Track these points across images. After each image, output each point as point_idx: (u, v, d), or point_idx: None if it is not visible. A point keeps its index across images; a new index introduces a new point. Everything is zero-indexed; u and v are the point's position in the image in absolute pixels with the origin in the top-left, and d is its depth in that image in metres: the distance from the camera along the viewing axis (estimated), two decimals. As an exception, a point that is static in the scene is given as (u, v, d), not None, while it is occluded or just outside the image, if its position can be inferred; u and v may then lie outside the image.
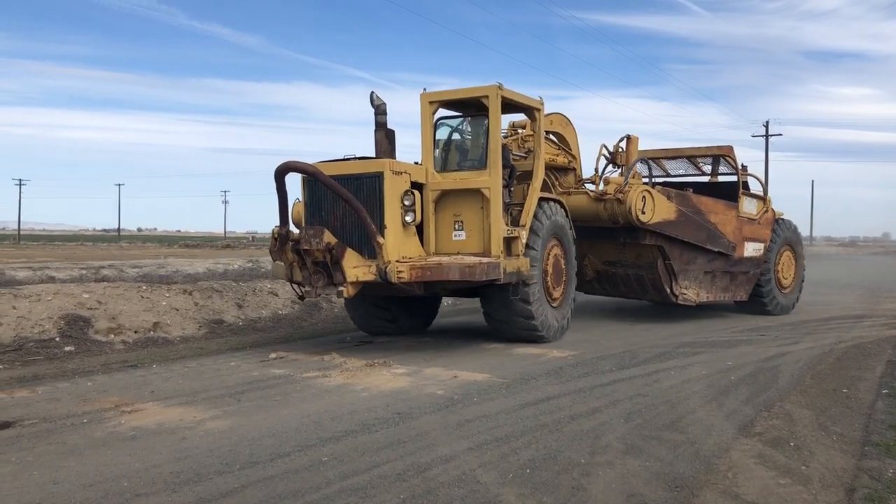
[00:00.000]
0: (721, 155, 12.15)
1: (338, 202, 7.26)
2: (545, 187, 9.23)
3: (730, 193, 11.50)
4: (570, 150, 10.38)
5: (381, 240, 7.10)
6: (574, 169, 10.47)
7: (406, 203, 7.47)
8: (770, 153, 40.34)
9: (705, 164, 12.79)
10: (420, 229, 7.83)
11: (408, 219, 7.52)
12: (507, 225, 7.88)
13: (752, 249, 11.89)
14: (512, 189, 8.22)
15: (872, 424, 5.02)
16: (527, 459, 4.07)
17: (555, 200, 8.83)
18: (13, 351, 7.20)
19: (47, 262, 14.82)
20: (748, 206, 11.90)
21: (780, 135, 47.49)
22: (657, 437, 4.60)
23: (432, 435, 4.53)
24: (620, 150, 11.08)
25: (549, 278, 8.49)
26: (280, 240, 7.13)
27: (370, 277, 7.11)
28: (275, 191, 6.82)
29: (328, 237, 7.00)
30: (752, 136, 45.75)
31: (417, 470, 3.85)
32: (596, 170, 11.02)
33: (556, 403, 5.54)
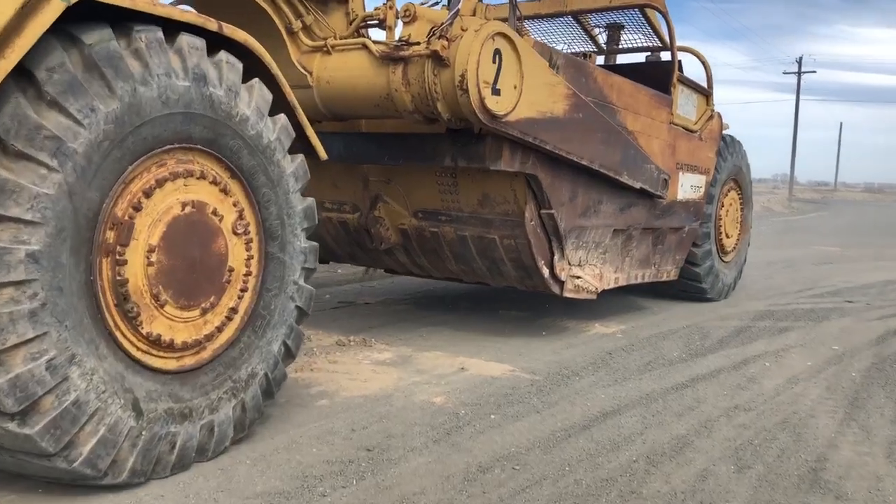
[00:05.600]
0: (643, 5, 7.27)
1: None
2: (268, 37, 4.92)
3: (654, 79, 7.04)
4: None
5: None
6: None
7: None
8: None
9: (603, 33, 8.29)
10: None
11: None
12: None
13: (689, 186, 7.51)
14: None
15: None
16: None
17: (210, 36, 3.49)
18: None
19: None
20: (686, 106, 7.40)
21: (815, 72, 44.70)
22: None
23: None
24: None
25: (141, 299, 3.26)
26: None
27: None
28: None
29: None
30: (784, 73, 44.08)
31: None
32: None
33: (618, 427, 4.21)
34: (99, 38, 3.04)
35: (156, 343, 3.34)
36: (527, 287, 6.26)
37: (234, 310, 3.72)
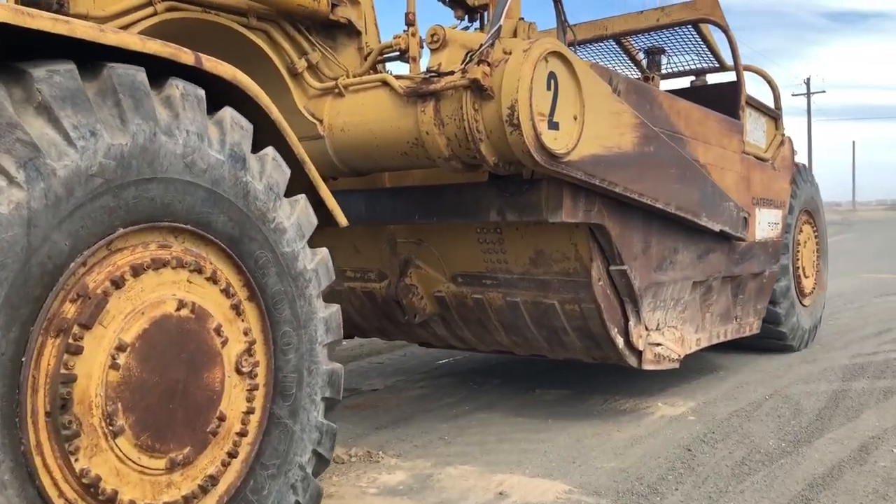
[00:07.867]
0: (700, 20, 6.35)
1: None
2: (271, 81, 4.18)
3: (717, 103, 6.11)
4: None
5: None
6: (356, 31, 4.61)
7: None
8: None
9: (644, 59, 7.41)
10: None
11: None
12: None
13: (766, 224, 6.51)
14: None
15: None
16: None
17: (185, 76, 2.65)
18: None
19: None
20: (755, 132, 6.50)
21: (824, 92, 43.99)
22: None
23: None
24: None
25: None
26: None
27: None
28: None
29: None
30: (793, 95, 43.03)
31: None
32: (409, 22, 4.54)
33: None
34: (126, 69, 2.26)
35: (90, 491, 2.22)
36: (595, 359, 5.20)
37: (212, 479, 2.60)
